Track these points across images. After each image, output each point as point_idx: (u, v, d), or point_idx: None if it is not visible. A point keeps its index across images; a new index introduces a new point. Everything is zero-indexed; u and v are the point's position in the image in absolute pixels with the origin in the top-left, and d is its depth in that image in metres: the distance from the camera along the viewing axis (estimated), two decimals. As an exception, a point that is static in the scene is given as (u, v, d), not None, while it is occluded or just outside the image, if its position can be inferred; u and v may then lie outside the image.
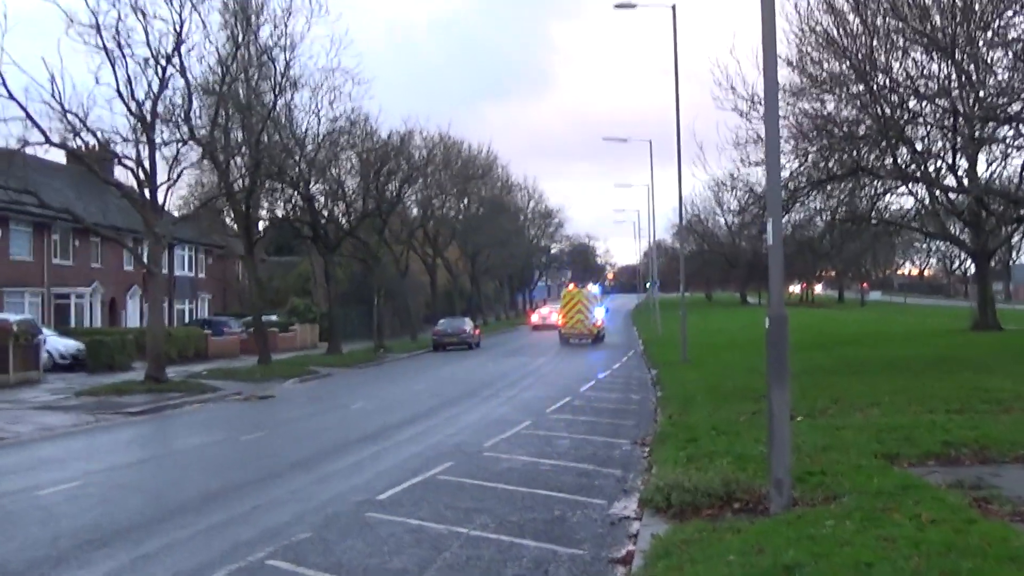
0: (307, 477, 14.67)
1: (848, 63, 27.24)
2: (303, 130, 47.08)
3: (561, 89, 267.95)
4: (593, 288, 65.61)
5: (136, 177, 33.48)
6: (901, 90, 27.29)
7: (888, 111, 27.47)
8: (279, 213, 54.82)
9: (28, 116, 30.14)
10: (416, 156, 63.86)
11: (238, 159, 43.18)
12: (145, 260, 34.24)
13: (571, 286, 64.07)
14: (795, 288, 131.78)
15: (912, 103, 27.95)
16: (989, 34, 24.90)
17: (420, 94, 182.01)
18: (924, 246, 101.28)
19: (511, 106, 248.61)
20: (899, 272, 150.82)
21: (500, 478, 13.90)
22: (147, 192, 33.33)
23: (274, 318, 58.33)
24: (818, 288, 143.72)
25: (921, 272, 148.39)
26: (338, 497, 12.91)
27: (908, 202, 43.05)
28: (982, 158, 36.17)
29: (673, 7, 36.51)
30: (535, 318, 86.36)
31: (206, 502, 12.87)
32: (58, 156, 41.85)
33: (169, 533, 11.08)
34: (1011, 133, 28.58)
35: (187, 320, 61.19)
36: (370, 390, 31.75)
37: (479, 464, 15.25)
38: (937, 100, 26.88)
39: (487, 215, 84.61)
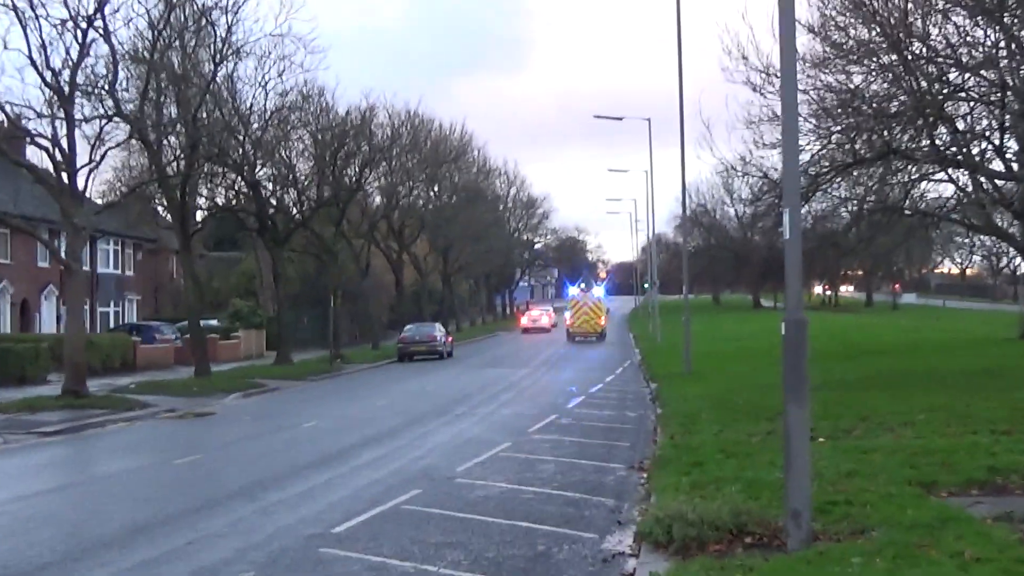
0: (250, 507, 14.60)
1: (878, 29, 27.30)
2: (248, 105, 47.02)
3: (542, 59, 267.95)
4: (598, 291, 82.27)
5: (52, 159, 33.27)
6: (940, 60, 27.37)
7: (925, 84, 27.55)
8: (220, 201, 54.63)
9: (-75, 86, 29.94)
10: (379, 136, 63.82)
11: (172, 138, 42.98)
12: (63, 255, 34.03)
13: (578, 292, 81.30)
14: (817, 290, 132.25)
15: (953, 75, 28.03)
16: (1044, -5, 24.99)
17: (380, 65, 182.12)
18: (966, 241, 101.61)
19: (483, 79, 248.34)
20: (937, 271, 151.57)
21: (474, 508, 13.88)
22: (65, 176, 33.12)
23: (214, 323, 58.11)
24: (844, 290, 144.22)
25: (962, 271, 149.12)
26: (286, 530, 12.85)
27: (948, 190, 43.11)
28: (1034, 139, 36.31)
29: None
30: (525, 320, 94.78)
31: (132, 536, 12.78)
32: (-39, 134, 41.51)
33: (89, 572, 11.00)
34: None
35: (112, 325, 60.91)
36: (324, 406, 31.66)
37: (450, 492, 15.22)
38: (982, 71, 26.96)
39: (461, 204, 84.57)
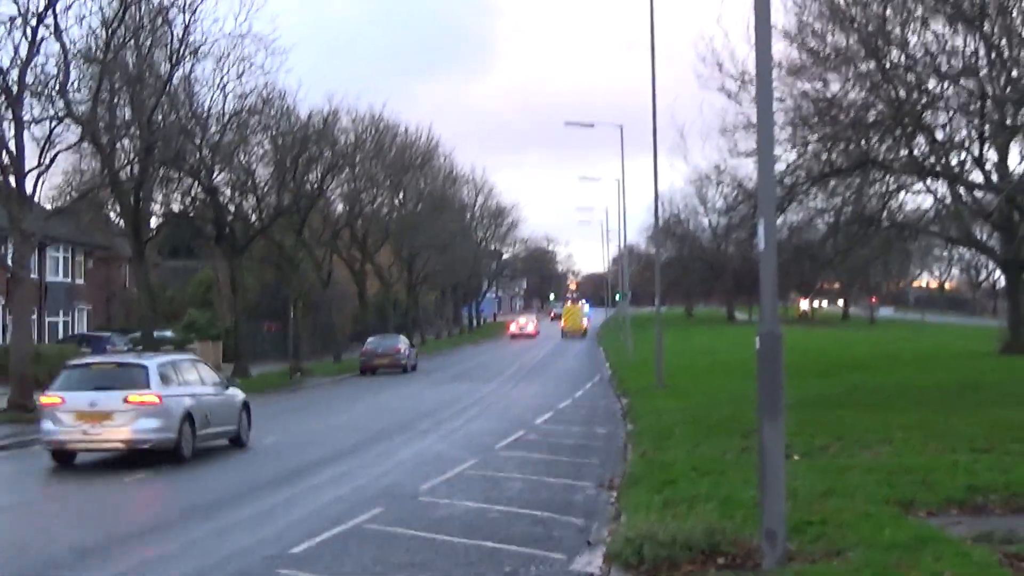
0: (205, 527, 14.51)
1: (856, 36, 27.51)
2: (205, 108, 46.73)
3: (507, 63, 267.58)
4: (582, 304, 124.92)
5: (-1, 161, 33.02)
6: (919, 68, 27.59)
7: (903, 93, 27.76)
8: (176, 208, 54.34)
9: None
10: (342, 141, 63.64)
11: (126, 141, 42.73)
12: (9, 262, 33.77)
13: (569, 303, 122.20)
14: (803, 304, 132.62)
15: (932, 84, 28.25)
16: (1024, 2, 25.22)
17: (337, 65, 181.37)
18: (945, 254, 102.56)
19: (447, 81, 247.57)
20: (915, 284, 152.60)
21: (439, 528, 13.84)
22: (12, 180, 32.88)
23: (169, 334, 57.74)
24: (821, 303, 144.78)
25: (941, 284, 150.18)
26: (243, 551, 12.78)
27: (926, 201, 43.54)
28: (1014, 149, 36.57)
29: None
30: (513, 327, 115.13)
31: (81, 558, 12.68)
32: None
33: (34, 595, 10.89)
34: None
35: (61, 336, 60.47)
36: (284, 422, 31.51)
37: (414, 511, 15.18)
38: (962, 80, 27.19)
39: (427, 213, 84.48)
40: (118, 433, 21.12)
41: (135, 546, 13.28)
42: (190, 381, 23.05)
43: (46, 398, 21.90)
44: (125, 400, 21.04)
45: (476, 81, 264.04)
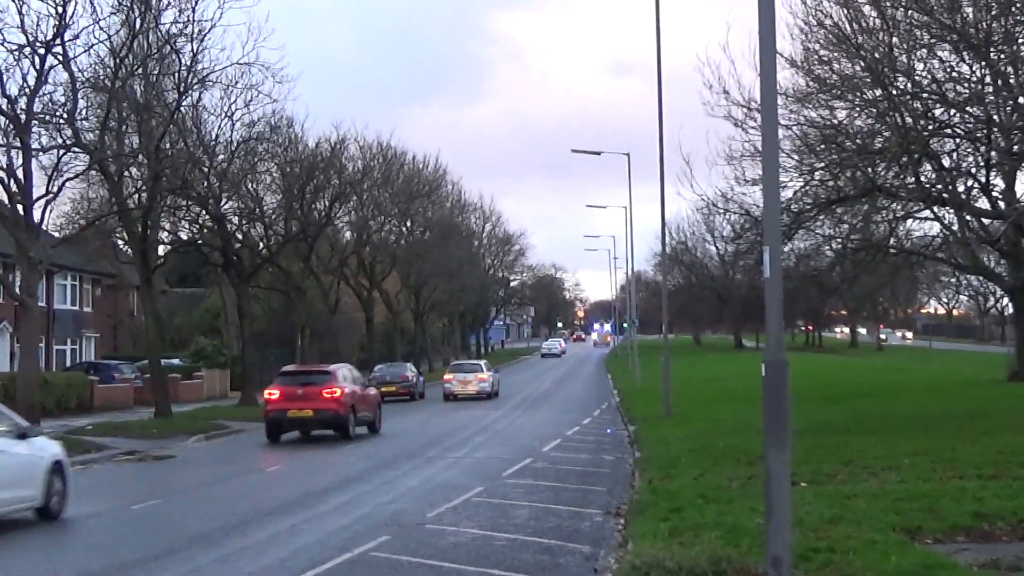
0: (210, 555, 14.50)
1: (863, 63, 27.54)
2: (213, 136, 46.96)
3: (504, 89, 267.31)
4: (607, 327, 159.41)
5: (7, 190, 33.17)
6: (925, 96, 27.61)
7: (910, 120, 27.77)
8: (183, 235, 54.55)
9: None
10: (350, 169, 63.81)
11: (133, 170, 42.91)
12: (17, 290, 33.86)
13: (599, 327, 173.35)
14: (832, 332, 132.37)
15: (938, 111, 28.27)
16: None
17: (331, 94, 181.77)
18: (952, 280, 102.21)
19: (440, 109, 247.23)
20: (923, 311, 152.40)
21: (445, 556, 13.82)
22: (20, 208, 33.01)
23: (176, 362, 57.87)
24: (845, 331, 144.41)
25: (949, 311, 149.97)
26: (248, 578, 12.77)
27: (933, 228, 43.43)
28: (1021, 177, 36.58)
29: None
30: (544, 348, 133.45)
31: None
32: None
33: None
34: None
35: (69, 363, 60.53)
36: (290, 449, 31.50)
37: (420, 539, 15.15)
38: (968, 108, 27.20)
39: (434, 240, 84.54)
40: (473, 388, 54.67)
41: (140, 573, 13.29)
42: (488, 369, 57.96)
43: (447, 374, 57.15)
44: (476, 376, 55.53)
45: (472, 107, 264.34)
